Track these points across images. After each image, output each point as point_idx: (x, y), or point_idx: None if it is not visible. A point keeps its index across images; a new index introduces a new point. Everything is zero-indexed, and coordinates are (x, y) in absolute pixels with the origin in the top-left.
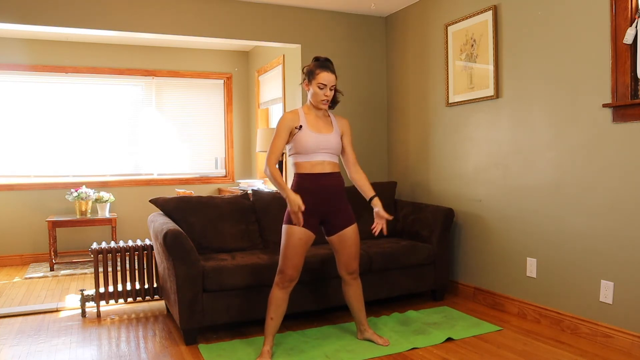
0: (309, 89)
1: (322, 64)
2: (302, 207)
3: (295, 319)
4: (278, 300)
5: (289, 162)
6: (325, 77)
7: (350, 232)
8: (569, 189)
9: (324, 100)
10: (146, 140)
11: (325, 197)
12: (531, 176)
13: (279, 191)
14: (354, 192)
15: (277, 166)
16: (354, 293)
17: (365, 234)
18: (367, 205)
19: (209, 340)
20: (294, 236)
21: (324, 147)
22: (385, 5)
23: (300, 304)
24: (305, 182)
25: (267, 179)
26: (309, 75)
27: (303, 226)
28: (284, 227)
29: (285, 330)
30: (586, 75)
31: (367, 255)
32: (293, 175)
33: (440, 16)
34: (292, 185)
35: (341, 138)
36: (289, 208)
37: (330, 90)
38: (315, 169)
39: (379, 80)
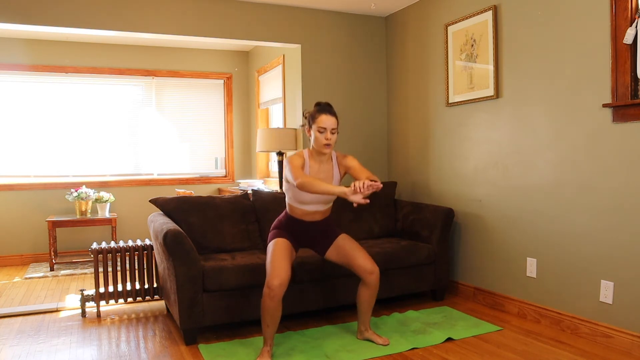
0: (310, 134)
1: (322, 108)
2: (357, 186)
3: (295, 319)
4: (271, 310)
5: (286, 198)
6: (325, 120)
7: (341, 241)
8: (569, 189)
9: (325, 144)
10: (146, 140)
11: (309, 236)
12: (531, 176)
13: (324, 193)
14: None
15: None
16: (369, 296)
17: (365, 234)
18: (366, 206)
19: (209, 340)
20: (278, 244)
21: (318, 199)
22: (385, 5)
23: (300, 304)
24: (292, 223)
25: (306, 189)
26: (310, 120)
27: (285, 239)
28: (269, 244)
29: (285, 330)
30: (586, 75)
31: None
32: (285, 210)
33: (440, 16)
34: (280, 218)
35: (349, 172)
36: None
37: (332, 133)
38: (306, 218)
39: (379, 80)
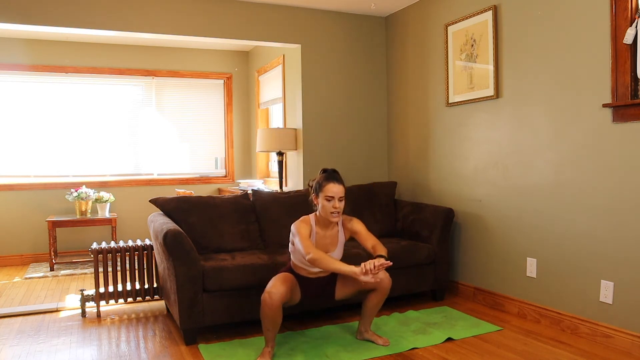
0: (317, 203)
1: (329, 176)
2: (367, 268)
3: (295, 319)
4: (270, 317)
5: (291, 257)
6: (332, 188)
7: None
8: (569, 189)
9: (333, 212)
10: (146, 140)
11: (316, 288)
12: (531, 176)
13: (334, 271)
14: (355, 192)
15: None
16: (377, 301)
17: None
18: (366, 206)
19: (209, 340)
20: (285, 274)
21: None
22: (385, 5)
23: (300, 304)
24: (298, 277)
25: (316, 265)
26: (317, 188)
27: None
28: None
29: (285, 330)
30: (586, 75)
31: (367, 255)
32: (291, 263)
33: (440, 16)
34: (290, 266)
35: (355, 237)
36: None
37: (339, 201)
38: (312, 275)
39: (379, 80)
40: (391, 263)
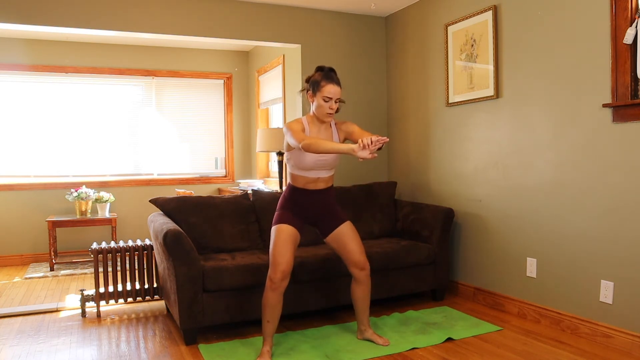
0: (312, 101)
1: (327, 75)
2: (364, 142)
3: (295, 319)
4: (272, 302)
5: (287, 169)
6: (330, 89)
7: (344, 228)
8: (569, 189)
9: (329, 113)
10: (146, 140)
11: (314, 209)
12: (531, 176)
13: (332, 152)
14: (355, 192)
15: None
16: (362, 293)
17: (365, 234)
18: (366, 206)
19: (209, 340)
20: (282, 232)
21: (321, 165)
22: (385, 5)
23: (300, 304)
24: (296, 195)
25: (312, 150)
26: (314, 86)
27: (289, 224)
28: (272, 228)
29: (285, 330)
30: (586, 75)
31: (367, 255)
32: (287, 183)
33: (440, 16)
34: (284, 193)
35: (350, 137)
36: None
37: (336, 102)
38: (309, 186)
39: (379, 80)
40: (387, 139)
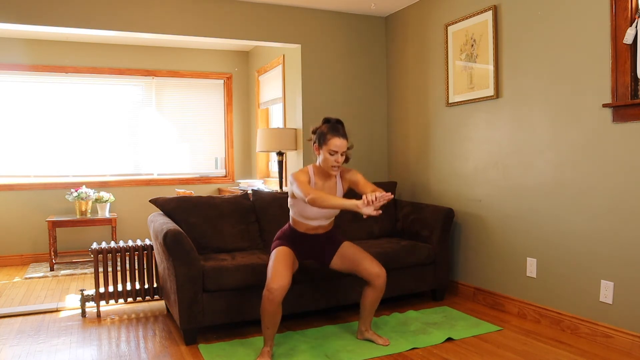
0: (319, 153)
1: (334, 127)
2: (369, 199)
3: (295, 319)
4: (270, 312)
5: (290, 212)
6: (337, 142)
7: (345, 248)
8: (568, 189)
9: (334, 166)
10: (146, 140)
11: (312, 249)
12: (531, 176)
13: (336, 207)
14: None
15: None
16: (374, 298)
17: (365, 234)
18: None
19: (209, 340)
20: (280, 252)
21: (323, 215)
22: (385, 5)
23: (300, 304)
24: (296, 236)
25: (317, 205)
26: (320, 138)
27: (288, 248)
28: (272, 252)
29: (285, 330)
30: (586, 75)
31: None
32: (289, 223)
33: (440, 16)
34: (284, 230)
35: (354, 187)
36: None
37: (342, 155)
38: (310, 231)
39: (379, 80)
40: (392, 195)
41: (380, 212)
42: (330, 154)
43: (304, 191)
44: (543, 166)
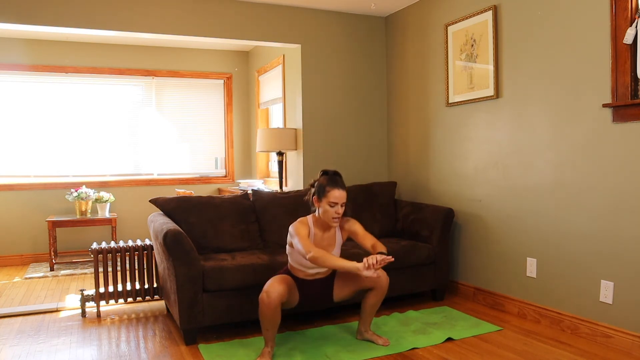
0: (319, 206)
1: (332, 179)
2: (370, 262)
3: (295, 319)
4: (268, 317)
5: (288, 258)
6: (336, 194)
7: (341, 274)
8: (568, 189)
9: (335, 218)
10: (146, 140)
11: (315, 289)
12: (531, 176)
13: (337, 268)
14: (355, 192)
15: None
16: (375, 300)
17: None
18: (366, 206)
19: (208, 340)
20: (282, 276)
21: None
22: (385, 5)
23: (300, 305)
24: (296, 279)
25: (318, 264)
26: (319, 191)
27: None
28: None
29: (285, 330)
30: (586, 75)
31: (366, 253)
32: (288, 265)
33: (440, 16)
34: (286, 270)
35: (353, 237)
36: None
37: (341, 207)
38: (309, 277)
39: (379, 80)
40: (393, 259)
41: (380, 275)
42: (331, 206)
43: (305, 248)
44: (543, 166)
